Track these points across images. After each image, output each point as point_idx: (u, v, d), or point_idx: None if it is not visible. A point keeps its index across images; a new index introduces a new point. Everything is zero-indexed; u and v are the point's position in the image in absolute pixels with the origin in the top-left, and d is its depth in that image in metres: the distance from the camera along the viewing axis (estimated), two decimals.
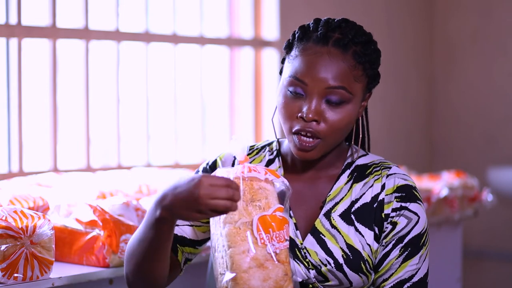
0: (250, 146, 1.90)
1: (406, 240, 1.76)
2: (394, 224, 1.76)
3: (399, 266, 1.76)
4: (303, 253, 1.76)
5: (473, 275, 4.63)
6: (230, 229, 1.57)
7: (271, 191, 1.62)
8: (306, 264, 1.75)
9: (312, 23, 1.77)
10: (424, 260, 1.78)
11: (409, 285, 1.75)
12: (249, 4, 3.84)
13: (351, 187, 1.79)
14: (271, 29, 3.88)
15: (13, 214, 1.86)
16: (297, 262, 1.75)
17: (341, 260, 1.74)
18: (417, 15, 4.72)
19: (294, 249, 1.76)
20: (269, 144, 1.89)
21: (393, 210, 1.76)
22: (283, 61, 1.80)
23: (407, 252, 1.76)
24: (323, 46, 1.73)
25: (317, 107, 1.71)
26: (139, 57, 3.42)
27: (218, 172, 1.62)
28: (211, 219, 1.62)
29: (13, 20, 2.96)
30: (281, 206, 1.61)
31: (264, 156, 1.86)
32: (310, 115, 1.70)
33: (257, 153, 1.88)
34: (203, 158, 3.64)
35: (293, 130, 1.72)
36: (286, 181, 1.65)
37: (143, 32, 3.40)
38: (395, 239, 1.76)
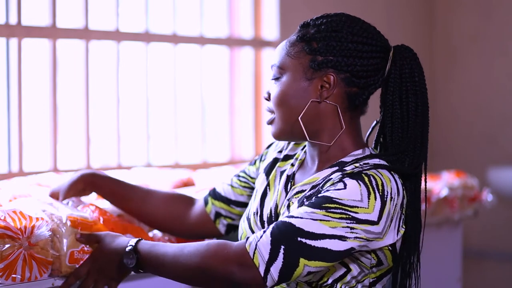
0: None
1: (318, 195, 1.68)
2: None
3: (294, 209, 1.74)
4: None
5: (473, 275, 4.63)
6: None
7: None
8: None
9: None
10: (314, 221, 1.64)
11: (280, 220, 1.66)
12: (249, 4, 3.84)
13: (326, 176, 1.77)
14: (271, 29, 3.88)
15: (12, 214, 1.86)
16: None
17: (265, 218, 1.82)
18: (417, 15, 4.72)
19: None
20: None
21: (331, 184, 1.70)
22: None
23: (308, 201, 1.69)
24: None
25: (268, 88, 1.86)
26: (139, 57, 3.42)
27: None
28: None
29: (13, 20, 2.96)
30: None
31: (298, 148, 1.96)
32: (263, 95, 1.94)
33: (300, 146, 1.96)
34: (203, 158, 3.64)
35: None
36: None
37: (143, 32, 3.40)
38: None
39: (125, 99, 3.41)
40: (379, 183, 1.68)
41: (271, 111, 1.83)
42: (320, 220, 1.64)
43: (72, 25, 3.16)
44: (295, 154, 1.94)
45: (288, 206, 1.81)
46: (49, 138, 3.10)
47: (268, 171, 1.96)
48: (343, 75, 1.77)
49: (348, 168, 1.73)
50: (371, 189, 1.67)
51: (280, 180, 1.90)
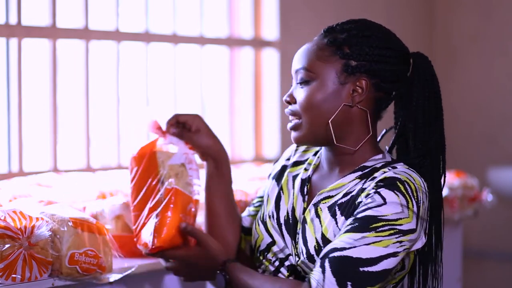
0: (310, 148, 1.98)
1: (359, 216, 1.69)
2: (360, 204, 1.72)
3: (340, 235, 1.69)
4: (296, 238, 1.82)
5: (473, 275, 4.63)
6: None
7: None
8: (295, 250, 1.82)
9: None
10: (368, 245, 1.66)
11: (335, 255, 1.66)
12: (249, 4, 3.84)
13: (355, 185, 1.78)
14: (271, 29, 3.88)
15: (12, 214, 1.86)
16: (292, 245, 1.83)
17: (312, 251, 1.75)
18: (417, 15, 4.72)
19: (295, 231, 1.83)
20: None
21: (366, 196, 1.71)
22: None
23: (353, 226, 1.68)
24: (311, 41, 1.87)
25: (291, 91, 1.84)
26: (139, 57, 3.42)
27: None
28: None
29: (13, 20, 2.96)
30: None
31: (316, 149, 1.95)
32: (284, 98, 1.85)
33: (309, 152, 1.96)
34: None
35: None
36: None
37: (143, 32, 3.40)
38: (353, 215, 1.72)
39: (125, 99, 3.41)
40: (413, 189, 1.71)
41: (296, 115, 1.82)
42: (373, 242, 1.66)
43: (72, 25, 3.16)
44: (305, 160, 1.93)
45: (317, 212, 1.79)
46: (49, 138, 3.10)
47: (279, 177, 1.96)
48: (374, 80, 1.80)
49: (378, 175, 1.73)
50: (408, 198, 1.69)
51: (293, 184, 1.90)
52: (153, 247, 1.82)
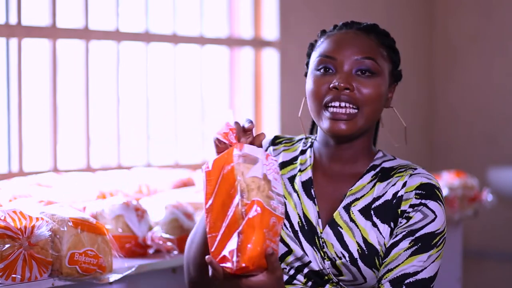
0: (288, 138, 1.95)
1: (418, 234, 1.72)
2: (408, 218, 1.74)
3: (406, 258, 1.72)
4: (321, 242, 1.77)
5: (473, 275, 4.63)
6: None
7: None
8: (322, 254, 1.77)
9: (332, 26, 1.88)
10: (433, 262, 1.73)
11: (411, 281, 1.71)
12: (249, 4, 3.84)
13: (374, 185, 1.80)
14: (271, 29, 3.88)
15: (12, 214, 1.86)
16: (314, 250, 1.77)
17: (356, 255, 1.74)
18: (417, 15, 4.72)
19: (314, 237, 1.78)
20: (307, 138, 1.93)
21: (411, 206, 1.74)
22: (307, 64, 1.87)
23: (417, 247, 1.72)
24: (347, 30, 1.82)
25: (348, 77, 1.76)
26: (139, 57, 3.42)
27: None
28: None
29: (13, 20, 2.96)
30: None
31: (298, 146, 1.91)
32: (342, 84, 1.74)
33: (292, 144, 1.92)
34: (203, 158, 3.64)
35: (325, 101, 1.76)
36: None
37: (143, 32, 3.40)
38: (407, 231, 1.73)
39: (125, 99, 3.41)
40: (442, 191, 1.79)
41: (355, 104, 1.75)
42: (437, 258, 1.74)
43: (72, 25, 3.16)
44: (292, 160, 1.89)
45: (349, 215, 1.78)
46: (49, 138, 3.10)
47: None
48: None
49: (410, 180, 1.76)
50: (444, 204, 1.78)
51: (293, 187, 1.85)
52: (238, 268, 1.58)
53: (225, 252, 1.59)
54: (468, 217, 3.51)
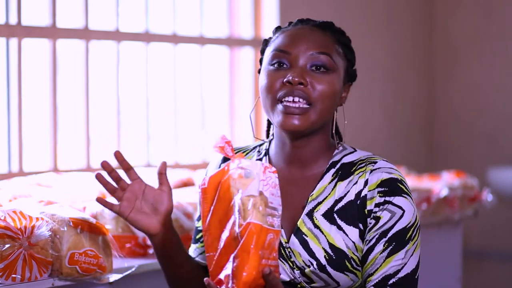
0: (242, 148, 1.90)
1: (389, 235, 1.71)
2: (377, 219, 1.71)
3: (384, 261, 1.70)
4: (287, 252, 1.75)
5: (473, 275, 4.63)
6: None
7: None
8: (291, 264, 1.74)
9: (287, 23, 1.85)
10: (412, 255, 1.72)
11: (394, 281, 1.70)
12: (249, 4, 3.84)
13: (335, 186, 1.76)
14: (271, 29, 3.87)
15: (12, 214, 1.86)
16: (282, 261, 1.75)
17: (323, 261, 1.72)
18: (417, 15, 4.72)
19: (279, 248, 1.75)
20: (260, 145, 1.88)
21: (376, 205, 1.72)
22: (261, 61, 1.84)
23: (392, 247, 1.70)
24: (303, 26, 1.80)
25: (302, 71, 1.73)
26: (139, 57, 3.42)
27: (244, 163, 1.61)
28: None
29: (13, 20, 2.96)
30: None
31: (253, 157, 1.86)
32: (296, 78, 1.71)
33: (246, 154, 1.88)
34: (203, 158, 3.64)
35: (278, 96, 1.73)
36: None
37: (143, 32, 3.40)
38: (378, 234, 1.71)
39: (125, 99, 3.41)
40: (406, 182, 1.76)
41: (308, 99, 1.72)
42: (414, 250, 1.72)
43: (72, 25, 3.16)
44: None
45: (313, 222, 1.74)
46: (49, 138, 3.10)
47: None
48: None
49: (370, 177, 1.74)
50: (410, 194, 1.75)
51: None
52: None
53: (222, 276, 1.60)
54: (468, 217, 3.51)
